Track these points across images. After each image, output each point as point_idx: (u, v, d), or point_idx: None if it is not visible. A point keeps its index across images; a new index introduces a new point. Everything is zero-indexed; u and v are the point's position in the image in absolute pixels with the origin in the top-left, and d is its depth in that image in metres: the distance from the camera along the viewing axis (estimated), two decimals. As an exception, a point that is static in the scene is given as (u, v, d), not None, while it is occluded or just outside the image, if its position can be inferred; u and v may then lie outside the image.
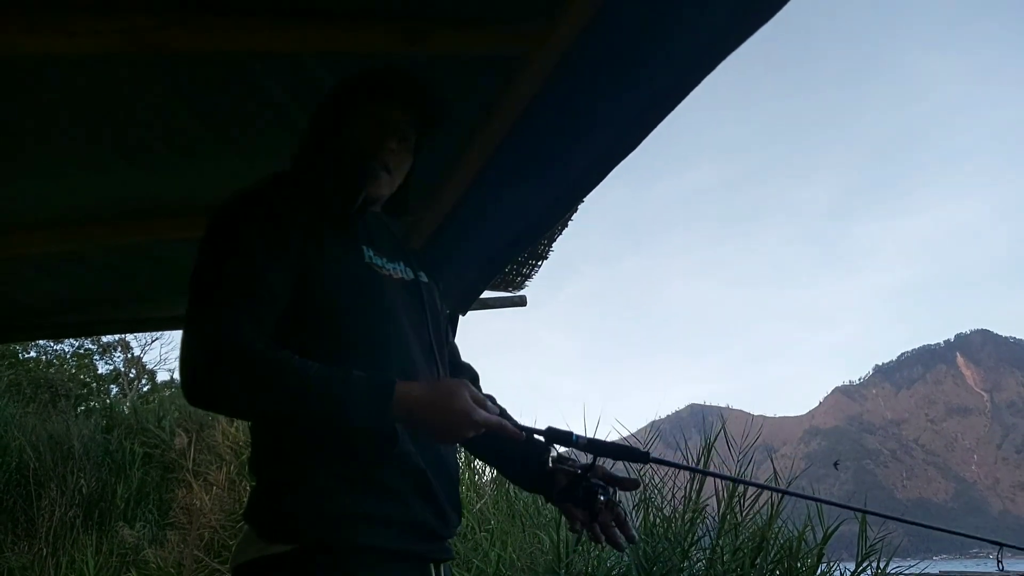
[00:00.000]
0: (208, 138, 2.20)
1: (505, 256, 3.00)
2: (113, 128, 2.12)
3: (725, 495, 4.65)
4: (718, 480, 4.72)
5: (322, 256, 1.35)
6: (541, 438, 1.41)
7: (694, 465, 4.72)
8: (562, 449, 1.54)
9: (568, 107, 1.97)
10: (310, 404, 1.19)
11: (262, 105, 2.06)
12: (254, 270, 1.28)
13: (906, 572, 4.45)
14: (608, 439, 1.53)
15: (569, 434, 1.43)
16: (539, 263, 3.69)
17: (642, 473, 4.96)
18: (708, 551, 4.34)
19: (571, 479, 1.52)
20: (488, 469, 7.02)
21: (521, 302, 3.83)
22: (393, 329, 1.40)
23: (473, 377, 1.71)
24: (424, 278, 1.58)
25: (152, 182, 2.48)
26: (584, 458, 1.53)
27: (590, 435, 1.47)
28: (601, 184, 2.21)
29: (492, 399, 1.46)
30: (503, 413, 1.42)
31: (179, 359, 1.21)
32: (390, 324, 1.40)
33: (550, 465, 1.57)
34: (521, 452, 1.57)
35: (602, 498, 1.49)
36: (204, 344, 1.21)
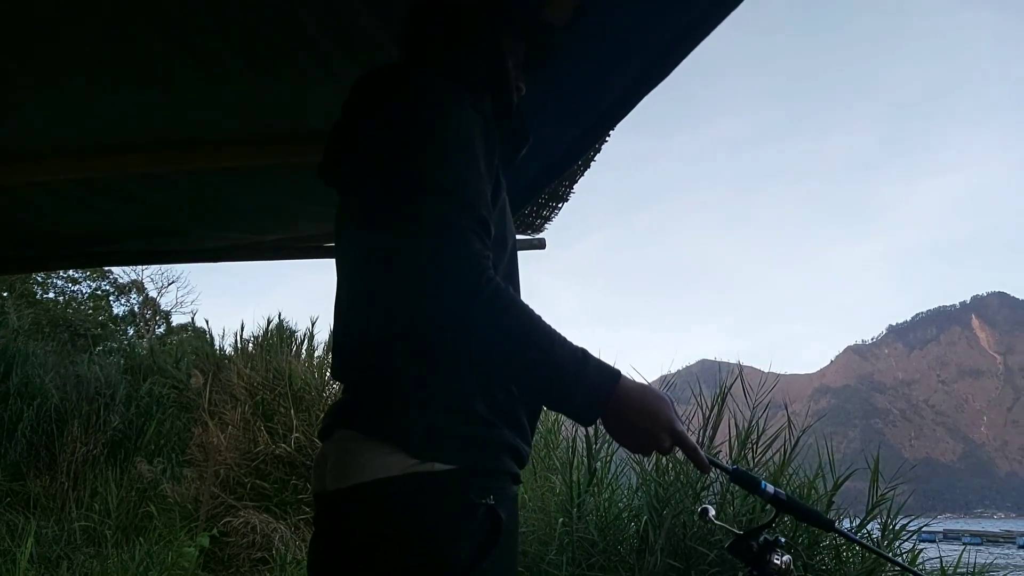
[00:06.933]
0: (236, 65, 2.16)
1: (532, 190, 2.98)
2: (136, 50, 2.07)
3: (738, 441, 4.69)
4: (732, 426, 4.75)
5: (500, 188, 1.33)
6: (726, 475, 1.40)
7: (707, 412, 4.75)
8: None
9: (598, 35, 1.94)
10: (545, 369, 1.16)
11: (289, 32, 2.02)
12: (480, 180, 1.23)
13: (911, 528, 4.48)
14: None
15: (757, 482, 1.40)
16: (559, 205, 3.67)
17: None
18: (719, 495, 4.38)
19: (745, 533, 1.45)
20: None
21: (540, 244, 3.82)
22: (515, 271, 1.42)
23: None
24: None
25: (180, 110, 2.44)
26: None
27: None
28: (618, 138, 2.18)
29: None
30: None
31: (410, 276, 1.14)
32: (514, 266, 1.42)
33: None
34: None
35: (777, 561, 1.39)
36: (459, 274, 1.14)
